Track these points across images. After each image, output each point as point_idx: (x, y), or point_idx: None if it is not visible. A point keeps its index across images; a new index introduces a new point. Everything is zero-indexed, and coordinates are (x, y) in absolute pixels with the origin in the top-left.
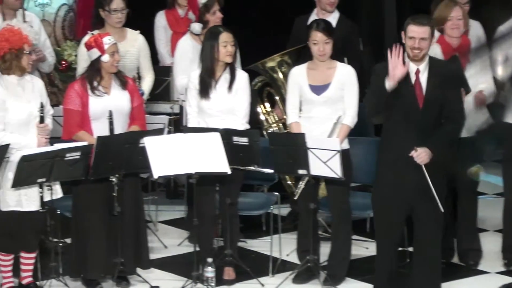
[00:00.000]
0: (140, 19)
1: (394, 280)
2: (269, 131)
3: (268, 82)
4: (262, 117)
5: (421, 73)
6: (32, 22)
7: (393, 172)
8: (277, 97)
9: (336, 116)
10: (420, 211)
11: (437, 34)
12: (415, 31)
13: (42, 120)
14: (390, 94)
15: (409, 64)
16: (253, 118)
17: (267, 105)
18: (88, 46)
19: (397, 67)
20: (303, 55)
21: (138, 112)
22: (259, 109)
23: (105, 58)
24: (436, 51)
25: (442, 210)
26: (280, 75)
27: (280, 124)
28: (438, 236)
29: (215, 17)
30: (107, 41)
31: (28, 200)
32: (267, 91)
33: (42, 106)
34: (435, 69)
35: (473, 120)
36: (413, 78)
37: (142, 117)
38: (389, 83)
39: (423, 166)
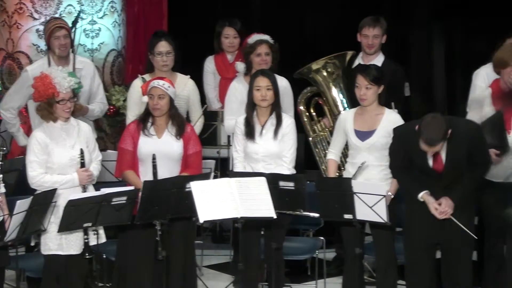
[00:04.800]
0: (190, 64)
1: None
2: (311, 138)
3: (316, 92)
4: (308, 127)
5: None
6: (84, 68)
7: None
8: (325, 107)
9: (361, 161)
10: (449, 243)
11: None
12: (427, 149)
13: (82, 165)
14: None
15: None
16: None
17: (314, 114)
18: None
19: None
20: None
21: (194, 161)
22: (305, 118)
23: (144, 98)
24: (485, 95)
25: (476, 237)
26: (325, 74)
27: (327, 132)
28: (468, 268)
29: (259, 59)
30: (151, 83)
31: (68, 244)
32: (315, 101)
33: (82, 152)
34: (454, 138)
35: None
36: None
37: (197, 165)
38: (421, 196)
39: (451, 216)
